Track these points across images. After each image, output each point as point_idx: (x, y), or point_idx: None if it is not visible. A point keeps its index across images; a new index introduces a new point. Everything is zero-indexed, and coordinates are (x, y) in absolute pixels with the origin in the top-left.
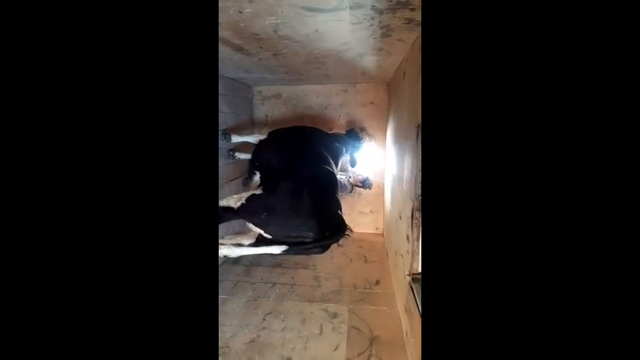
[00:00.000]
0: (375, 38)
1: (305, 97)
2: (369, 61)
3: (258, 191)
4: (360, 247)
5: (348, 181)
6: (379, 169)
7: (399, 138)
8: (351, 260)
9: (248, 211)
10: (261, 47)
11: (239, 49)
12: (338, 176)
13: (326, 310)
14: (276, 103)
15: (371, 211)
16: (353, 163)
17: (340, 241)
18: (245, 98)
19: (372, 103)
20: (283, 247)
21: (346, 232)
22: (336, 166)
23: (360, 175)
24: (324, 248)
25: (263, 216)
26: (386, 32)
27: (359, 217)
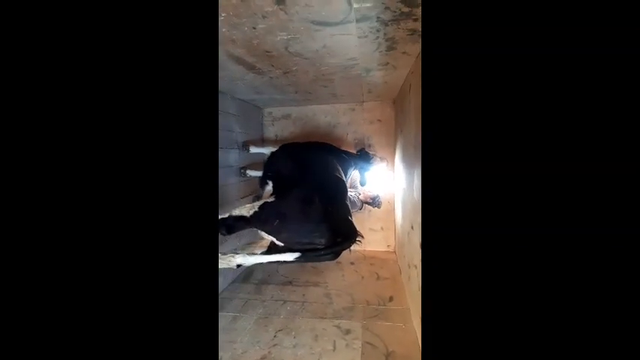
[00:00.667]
0: (381, 52)
1: (314, 116)
2: (375, 77)
3: (271, 199)
4: (371, 264)
5: (358, 198)
6: (389, 187)
7: (408, 149)
8: (362, 277)
9: (260, 219)
10: (273, 65)
11: (252, 67)
12: (348, 191)
13: (338, 327)
14: (285, 123)
15: (382, 228)
16: (363, 182)
17: (351, 247)
18: (255, 119)
19: (379, 120)
20: (296, 255)
21: (357, 239)
22: (345, 176)
23: (370, 192)
24: (336, 254)
25: (275, 223)
26: (391, 45)
27: (369, 234)
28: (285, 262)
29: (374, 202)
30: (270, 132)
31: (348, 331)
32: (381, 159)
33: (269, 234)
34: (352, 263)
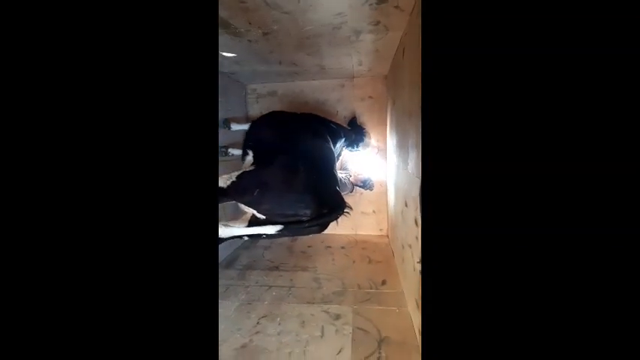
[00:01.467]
0: (371, 5)
1: (301, 93)
2: (366, 43)
3: (250, 168)
4: (363, 248)
5: (349, 179)
6: (381, 169)
7: (402, 120)
8: (354, 262)
9: (238, 190)
10: (250, 23)
11: (226, 25)
12: (336, 167)
13: (327, 312)
14: (271, 100)
15: (374, 212)
16: (353, 145)
17: (339, 220)
18: (238, 95)
19: (370, 97)
20: (278, 227)
21: (345, 210)
22: (334, 146)
23: (360, 174)
24: (322, 227)
25: (255, 193)
26: None
27: (361, 218)
28: (266, 236)
29: (365, 184)
30: (255, 109)
31: (337, 316)
32: (372, 145)
33: (249, 205)
34: (343, 247)
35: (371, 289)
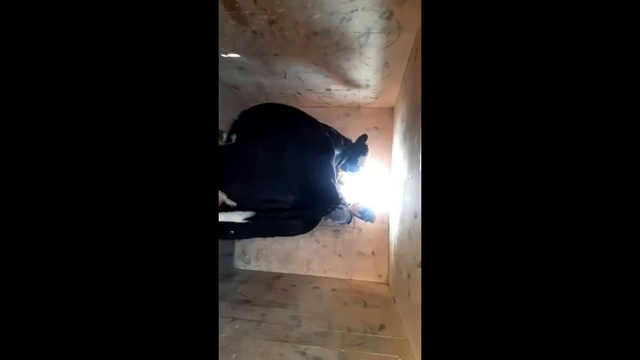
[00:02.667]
0: None
1: None
2: (375, 46)
3: (227, 144)
4: (358, 292)
5: (348, 208)
6: (382, 202)
7: (409, 129)
8: (345, 303)
9: None
10: (255, 1)
11: (231, 4)
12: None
13: (303, 353)
14: None
15: (373, 253)
16: (351, 167)
17: (337, 222)
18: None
19: (375, 127)
20: (248, 214)
21: (340, 206)
22: (335, 144)
23: (359, 204)
24: (308, 223)
25: (227, 169)
26: None
27: (358, 260)
28: (233, 233)
29: (364, 215)
30: None
31: (316, 359)
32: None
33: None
34: (334, 289)
35: (365, 332)
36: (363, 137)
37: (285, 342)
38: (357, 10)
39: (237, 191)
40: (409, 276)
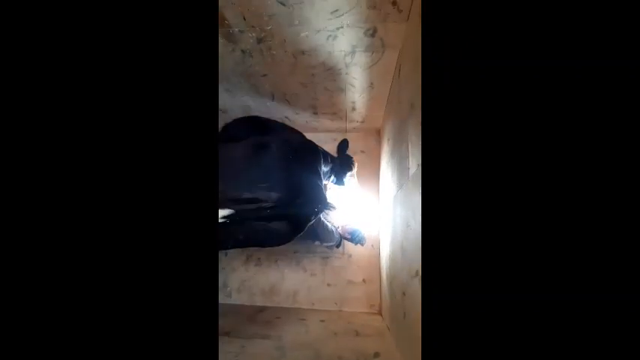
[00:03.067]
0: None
1: None
2: (361, 66)
3: None
4: (349, 322)
5: (337, 230)
6: (373, 226)
7: (397, 142)
8: (335, 333)
9: None
10: (244, 17)
11: (220, 21)
12: (323, 219)
13: None
14: None
15: (364, 281)
16: (338, 175)
17: (326, 245)
18: None
19: (362, 151)
20: (225, 212)
21: (329, 207)
22: (324, 160)
23: (348, 225)
24: (292, 228)
25: None
26: None
27: (348, 288)
28: None
29: (354, 236)
30: None
31: None
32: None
33: None
34: (322, 320)
35: None
36: (344, 144)
37: None
38: (342, 27)
39: None
40: (404, 294)
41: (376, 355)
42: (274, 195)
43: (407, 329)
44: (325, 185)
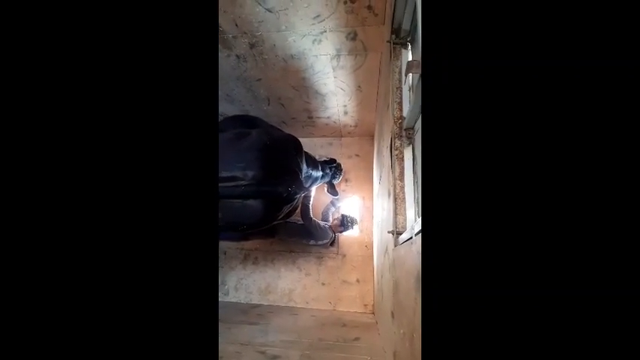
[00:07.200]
0: (345, 3)
1: None
2: (347, 69)
3: None
4: (339, 317)
5: (330, 227)
6: (366, 224)
7: (384, 141)
8: (323, 324)
9: None
10: (237, 24)
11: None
12: (315, 220)
13: (263, 353)
14: None
15: (358, 281)
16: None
17: (320, 243)
18: None
19: (357, 155)
20: None
21: (305, 191)
22: (307, 164)
23: (337, 212)
24: (268, 207)
25: None
26: None
27: (342, 288)
28: None
29: (344, 222)
30: None
31: (275, 357)
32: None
33: None
34: (314, 316)
35: (337, 342)
36: (332, 161)
37: (245, 345)
38: (325, 31)
39: None
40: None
41: (356, 339)
42: (250, 173)
43: (386, 313)
44: (309, 180)
